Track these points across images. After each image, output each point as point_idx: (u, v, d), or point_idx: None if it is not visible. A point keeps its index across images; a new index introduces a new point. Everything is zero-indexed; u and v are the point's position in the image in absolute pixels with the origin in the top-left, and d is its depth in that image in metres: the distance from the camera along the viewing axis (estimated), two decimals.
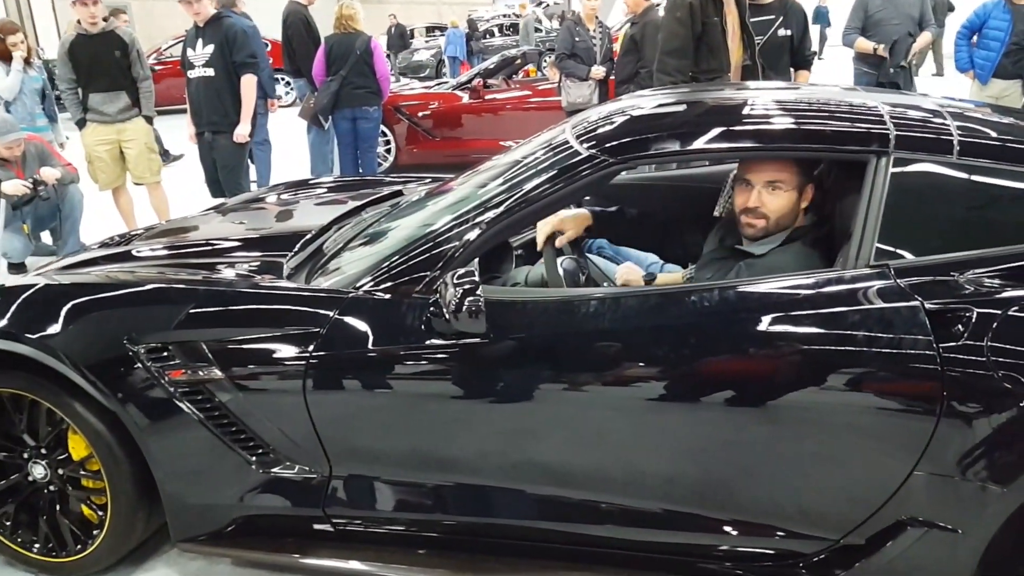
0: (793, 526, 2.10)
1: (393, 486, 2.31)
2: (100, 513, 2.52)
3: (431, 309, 2.12)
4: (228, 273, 2.61)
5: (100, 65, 5.70)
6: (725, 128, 2.30)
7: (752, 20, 5.19)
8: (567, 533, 2.25)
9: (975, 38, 6.58)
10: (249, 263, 2.74)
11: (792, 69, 5.54)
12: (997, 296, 1.90)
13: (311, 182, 4.32)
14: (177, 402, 2.28)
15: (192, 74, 5.72)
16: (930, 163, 2.10)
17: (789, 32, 5.35)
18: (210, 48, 5.64)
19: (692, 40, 4.55)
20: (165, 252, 2.98)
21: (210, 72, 5.67)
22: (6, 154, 5.42)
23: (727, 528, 2.14)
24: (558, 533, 2.26)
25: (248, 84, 5.74)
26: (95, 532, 2.54)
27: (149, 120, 6.00)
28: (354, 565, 2.33)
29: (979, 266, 1.97)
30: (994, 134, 2.22)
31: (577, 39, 7.11)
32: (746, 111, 2.43)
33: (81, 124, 5.85)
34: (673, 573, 2.21)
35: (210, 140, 5.80)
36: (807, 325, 1.98)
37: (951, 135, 2.13)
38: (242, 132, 5.76)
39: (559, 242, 2.68)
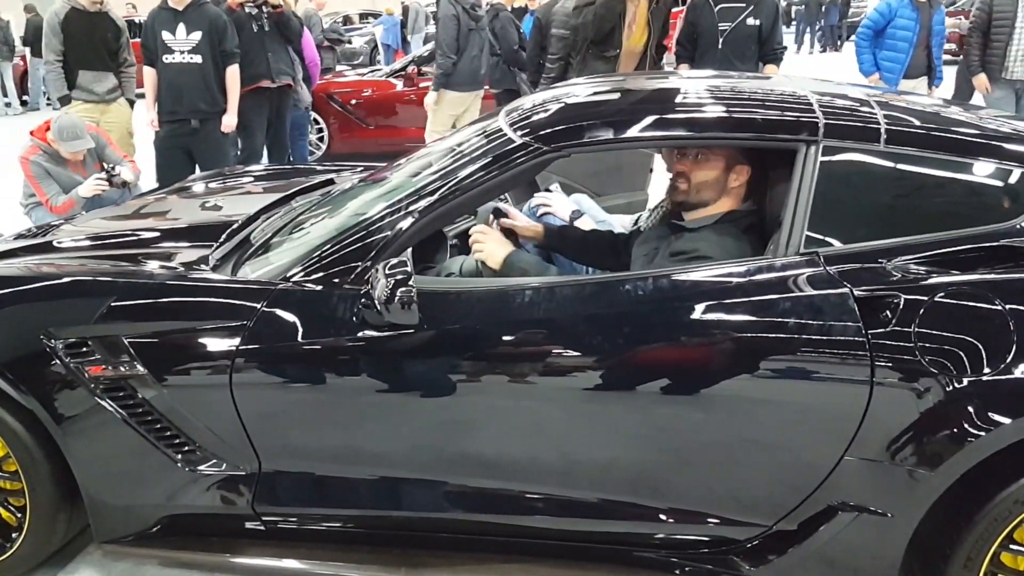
0: (727, 513, 2.12)
1: (324, 482, 2.26)
2: (19, 515, 2.42)
3: (362, 300, 2.08)
4: (152, 264, 2.53)
5: (94, 44, 5.53)
6: (659, 116, 2.30)
7: (721, 7, 5.26)
8: (502, 525, 2.24)
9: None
10: (174, 254, 2.65)
11: (760, 63, 5.52)
12: (924, 282, 1.93)
13: (240, 170, 4.22)
14: (98, 399, 2.20)
15: (170, 59, 5.46)
16: (858, 151, 2.12)
17: (758, 22, 5.33)
18: (196, 35, 5.44)
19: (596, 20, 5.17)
20: (87, 243, 2.88)
21: (197, 59, 5.46)
22: (69, 157, 4.85)
23: (662, 516, 2.15)
24: (494, 525, 2.24)
25: (234, 74, 5.64)
26: (14, 535, 2.44)
27: (131, 103, 5.83)
28: (286, 563, 2.29)
29: (906, 253, 2.00)
30: (919, 123, 2.26)
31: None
32: (679, 99, 2.43)
33: (64, 101, 5.61)
34: (609, 563, 2.21)
35: (196, 127, 5.57)
36: (739, 313, 1.99)
37: (878, 123, 2.16)
38: (231, 122, 5.65)
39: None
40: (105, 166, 4.86)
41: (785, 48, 5.50)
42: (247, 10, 6.01)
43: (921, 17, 6.17)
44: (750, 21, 5.33)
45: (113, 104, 5.69)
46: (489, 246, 2.50)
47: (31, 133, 4.88)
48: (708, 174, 2.37)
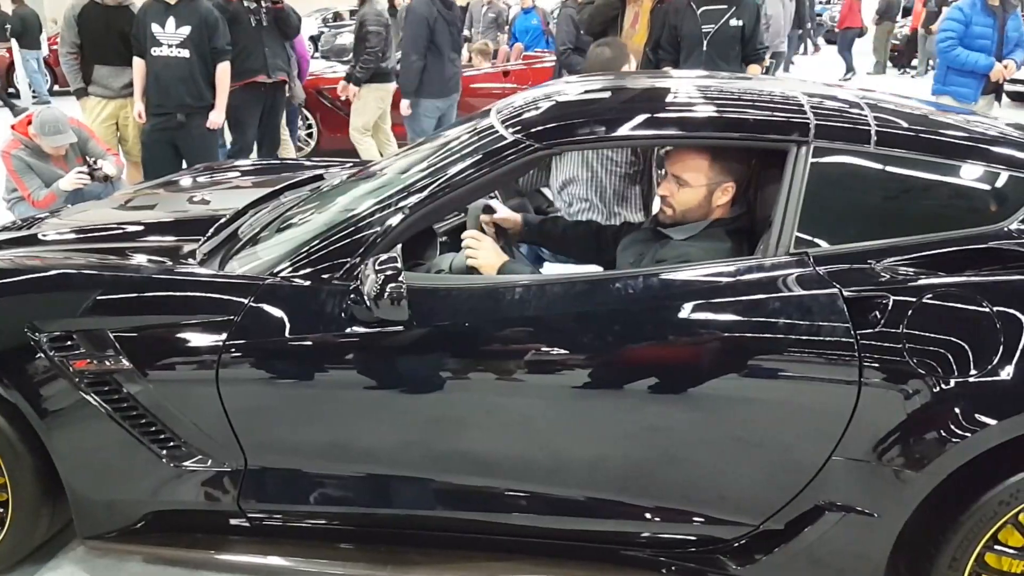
0: (714, 512, 2.12)
1: (311, 479, 2.25)
2: (0, 510, 2.39)
3: (352, 296, 2.07)
4: (138, 258, 2.51)
5: (112, 38, 5.47)
6: (649, 115, 2.30)
7: (704, 9, 5.30)
8: (489, 523, 2.23)
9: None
10: (161, 248, 2.64)
11: (743, 63, 5.55)
12: (912, 284, 1.94)
13: (229, 165, 4.19)
14: (82, 393, 2.18)
15: (158, 52, 5.40)
16: (848, 153, 2.12)
17: (741, 23, 5.38)
18: (185, 29, 5.39)
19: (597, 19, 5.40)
20: (73, 236, 2.85)
21: (184, 53, 5.40)
22: (51, 152, 4.88)
23: (650, 515, 2.15)
24: (480, 523, 2.23)
25: (224, 71, 5.58)
26: None
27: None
28: (271, 560, 2.27)
29: (895, 254, 2.01)
30: (908, 124, 2.27)
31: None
32: (670, 99, 2.43)
33: (80, 94, 5.58)
34: (596, 561, 2.21)
35: (182, 121, 5.50)
36: (728, 312, 1.99)
37: (868, 125, 2.17)
38: (217, 120, 5.60)
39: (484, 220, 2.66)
40: (87, 160, 4.81)
41: (768, 48, 5.51)
42: (246, 4, 5.94)
43: (997, 23, 5.65)
44: (733, 22, 5.36)
45: (131, 99, 5.60)
46: (483, 254, 2.40)
47: (12, 127, 4.83)
48: (691, 199, 2.35)
